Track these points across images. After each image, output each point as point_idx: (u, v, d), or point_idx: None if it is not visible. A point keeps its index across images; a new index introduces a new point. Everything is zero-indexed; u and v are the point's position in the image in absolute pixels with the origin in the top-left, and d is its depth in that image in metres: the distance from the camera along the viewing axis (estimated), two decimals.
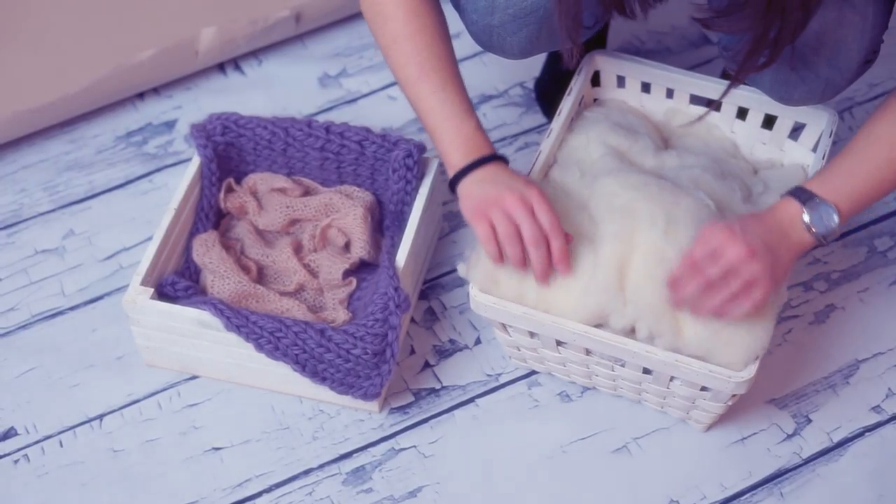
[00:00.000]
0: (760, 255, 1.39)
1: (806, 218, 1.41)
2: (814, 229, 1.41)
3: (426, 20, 1.48)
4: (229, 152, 1.73)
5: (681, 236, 1.46)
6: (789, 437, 1.59)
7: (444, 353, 1.67)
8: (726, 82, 1.63)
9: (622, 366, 1.51)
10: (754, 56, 1.32)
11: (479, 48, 1.56)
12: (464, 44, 1.80)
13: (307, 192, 1.74)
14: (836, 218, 1.41)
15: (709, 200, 1.52)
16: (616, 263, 1.46)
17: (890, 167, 1.41)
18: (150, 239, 1.78)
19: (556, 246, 1.44)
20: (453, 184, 1.47)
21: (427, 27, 1.48)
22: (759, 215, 1.43)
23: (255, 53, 2.02)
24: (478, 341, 1.68)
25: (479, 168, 1.46)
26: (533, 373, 1.65)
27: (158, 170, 1.88)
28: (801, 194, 1.42)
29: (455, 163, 1.47)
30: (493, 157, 1.47)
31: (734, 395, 1.47)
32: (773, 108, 1.63)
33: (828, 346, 1.66)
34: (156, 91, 1.97)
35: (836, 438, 1.59)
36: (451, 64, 1.50)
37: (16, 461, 1.60)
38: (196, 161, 1.70)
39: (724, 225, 1.41)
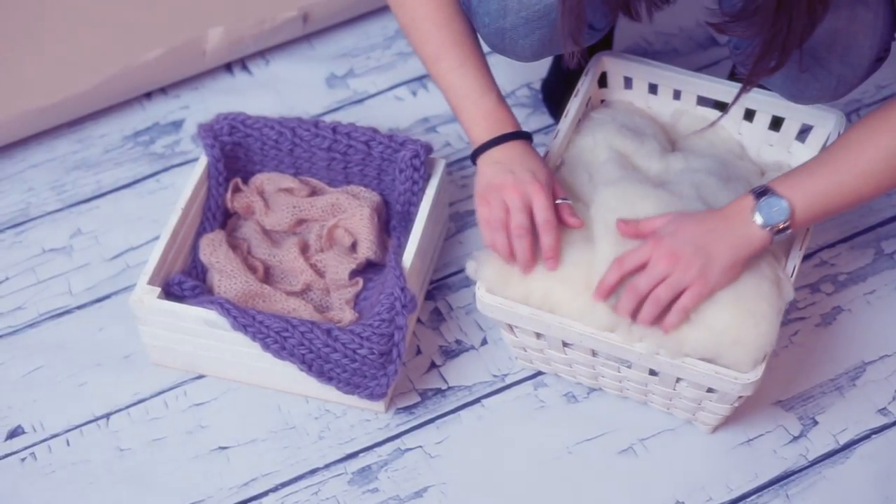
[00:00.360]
0: (686, 260, 1.41)
1: (755, 211, 1.41)
2: (760, 221, 1.41)
3: None
4: (236, 152, 1.73)
5: None
6: (795, 438, 1.59)
7: (450, 353, 1.68)
8: (734, 84, 1.64)
9: (628, 367, 1.51)
10: (764, 60, 1.32)
11: (487, 49, 1.55)
12: None
13: (314, 193, 1.75)
14: (786, 211, 1.41)
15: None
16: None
17: (852, 172, 1.41)
18: (157, 238, 1.78)
19: (544, 241, 1.46)
20: (474, 157, 1.49)
21: (445, 4, 1.49)
22: (703, 214, 1.45)
23: (263, 53, 2.02)
24: (484, 342, 1.68)
25: (500, 145, 1.48)
26: (539, 374, 1.65)
27: (166, 169, 1.88)
28: (759, 189, 1.43)
29: (476, 137, 1.49)
30: (515, 135, 1.48)
31: (740, 397, 1.47)
32: (781, 109, 1.63)
33: (834, 349, 1.66)
34: (163, 91, 1.98)
35: (843, 440, 1.59)
36: (471, 40, 1.51)
37: (23, 459, 1.60)
38: (203, 161, 1.71)
39: (655, 234, 1.44)
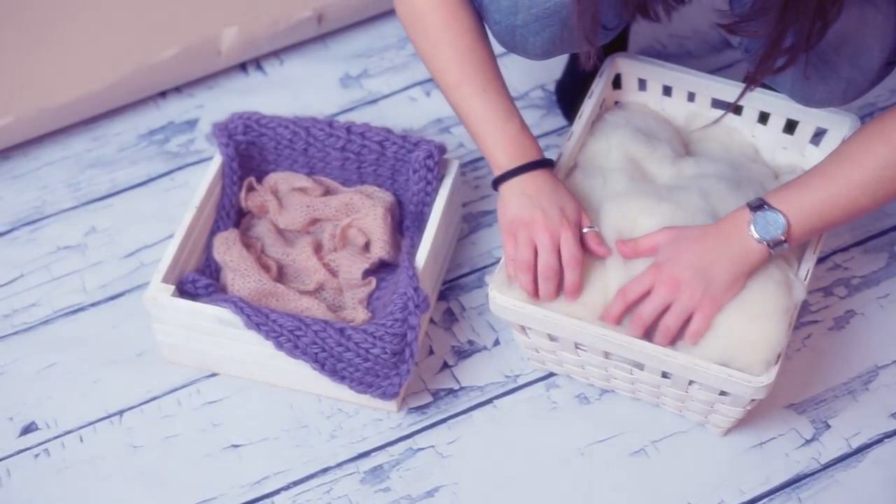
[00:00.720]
0: (688, 285, 1.43)
1: (751, 225, 1.42)
2: (755, 235, 1.42)
3: (465, 24, 1.49)
4: (251, 151, 1.74)
5: None
6: (808, 442, 1.59)
7: (462, 353, 1.68)
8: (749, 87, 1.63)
9: (641, 369, 1.51)
10: (770, 59, 1.32)
11: (499, 49, 1.56)
12: None
13: (328, 192, 1.75)
14: (782, 226, 1.42)
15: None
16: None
17: (847, 184, 1.41)
18: (171, 236, 1.78)
19: (568, 279, 1.48)
20: (496, 184, 1.49)
21: (466, 31, 1.49)
22: (701, 230, 1.46)
23: (277, 53, 2.02)
24: (496, 342, 1.68)
25: (525, 174, 1.48)
26: (551, 375, 1.65)
27: (180, 168, 1.89)
28: (755, 203, 1.44)
29: (500, 164, 1.49)
30: (540, 164, 1.49)
31: (753, 400, 1.47)
32: (795, 112, 1.63)
33: (847, 352, 1.66)
34: (178, 90, 1.98)
35: (855, 444, 1.59)
36: (492, 66, 1.51)
37: (36, 455, 1.60)
38: (218, 160, 1.71)
39: (656, 257, 1.46)
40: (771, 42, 1.30)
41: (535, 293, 1.48)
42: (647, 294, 1.45)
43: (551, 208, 1.47)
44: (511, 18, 1.49)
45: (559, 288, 1.48)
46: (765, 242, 1.42)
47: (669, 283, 1.43)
